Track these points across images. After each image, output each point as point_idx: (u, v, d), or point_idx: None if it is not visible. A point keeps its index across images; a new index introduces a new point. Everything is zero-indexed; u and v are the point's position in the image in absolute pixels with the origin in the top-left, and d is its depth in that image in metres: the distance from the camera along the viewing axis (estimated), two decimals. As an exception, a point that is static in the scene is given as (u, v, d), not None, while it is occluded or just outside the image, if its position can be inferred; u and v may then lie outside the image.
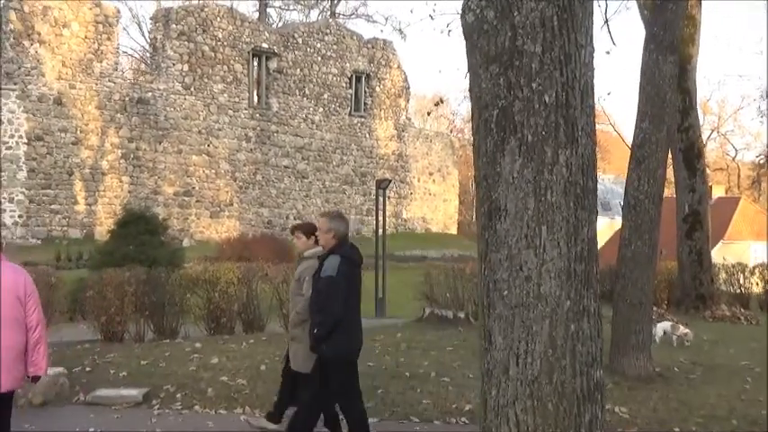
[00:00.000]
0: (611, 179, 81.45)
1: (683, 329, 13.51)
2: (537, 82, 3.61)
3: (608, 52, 19.70)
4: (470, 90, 3.82)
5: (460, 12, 3.79)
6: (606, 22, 15.71)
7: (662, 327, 13.54)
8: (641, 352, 10.52)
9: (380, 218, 20.38)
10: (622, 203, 11.06)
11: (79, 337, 13.18)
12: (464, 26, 3.76)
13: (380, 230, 20.18)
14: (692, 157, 19.01)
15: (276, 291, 13.97)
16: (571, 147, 3.63)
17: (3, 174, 29.35)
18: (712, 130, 73.58)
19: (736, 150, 78.76)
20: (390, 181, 23.69)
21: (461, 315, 14.48)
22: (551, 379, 3.61)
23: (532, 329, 3.61)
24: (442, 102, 17.89)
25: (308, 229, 7.82)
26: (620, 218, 11.36)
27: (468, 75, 3.82)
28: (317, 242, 7.53)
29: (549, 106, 3.61)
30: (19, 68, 29.66)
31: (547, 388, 3.60)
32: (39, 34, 29.95)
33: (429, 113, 26.54)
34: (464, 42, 3.81)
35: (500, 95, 3.65)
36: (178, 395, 9.47)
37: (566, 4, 3.62)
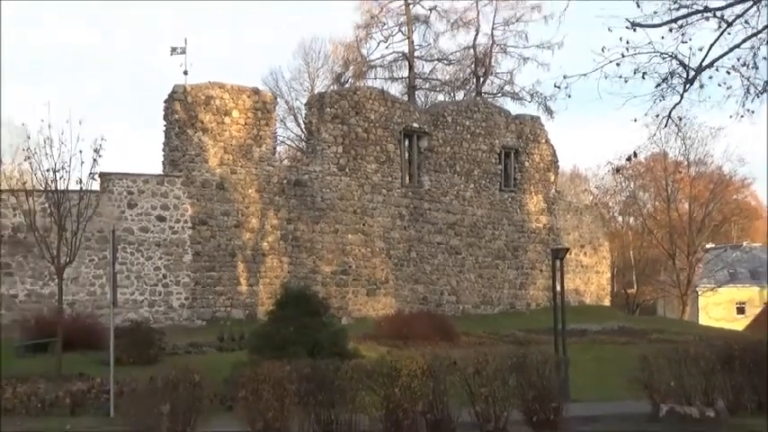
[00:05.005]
0: (757, 248, 78.11)
1: None
2: None
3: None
4: None
5: None
6: None
7: None
8: None
9: (557, 290, 19.65)
10: None
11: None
12: None
13: (558, 303, 19.38)
14: None
15: (467, 383, 12.20)
16: None
17: (170, 258, 30.57)
18: None
19: None
20: (568, 249, 22.69)
21: (710, 414, 12.24)
22: None
23: None
24: (635, 155, 16.84)
25: None
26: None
27: None
28: None
29: None
30: (183, 156, 31.10)
31: None
32: (201, 123, 31.38)
33: (618, 170, 25.29)
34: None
35: None
36: None
37: None
